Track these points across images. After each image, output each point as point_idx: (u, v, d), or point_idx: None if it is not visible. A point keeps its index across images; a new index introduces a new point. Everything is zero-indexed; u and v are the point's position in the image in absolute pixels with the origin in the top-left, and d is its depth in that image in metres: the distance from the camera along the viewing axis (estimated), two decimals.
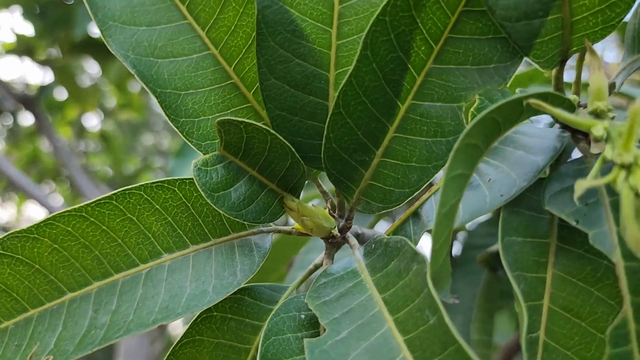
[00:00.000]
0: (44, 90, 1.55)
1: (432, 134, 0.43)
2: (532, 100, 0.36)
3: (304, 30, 0.45)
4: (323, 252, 0.51)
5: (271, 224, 0.49)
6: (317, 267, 0.53)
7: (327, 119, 0.43)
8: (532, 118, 0.49)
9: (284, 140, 0.44)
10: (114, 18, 0.45)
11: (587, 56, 0.41)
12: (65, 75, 1.53)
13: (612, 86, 0.44)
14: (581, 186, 0.31)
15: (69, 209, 0.44)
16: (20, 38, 1.51)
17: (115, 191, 0.45)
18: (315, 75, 0.46)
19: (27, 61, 1.55)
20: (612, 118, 0.42)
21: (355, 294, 0.43)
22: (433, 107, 0.43)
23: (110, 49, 0.44)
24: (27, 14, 1.47)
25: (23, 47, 1.51)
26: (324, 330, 0.41)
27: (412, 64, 0.43)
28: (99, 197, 0.45)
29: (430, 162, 0.44)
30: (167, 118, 0.45)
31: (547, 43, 0.41)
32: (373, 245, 0.45)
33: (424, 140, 0.44)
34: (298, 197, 0.49)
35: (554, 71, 0.44)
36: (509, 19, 0.40)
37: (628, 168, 0.33)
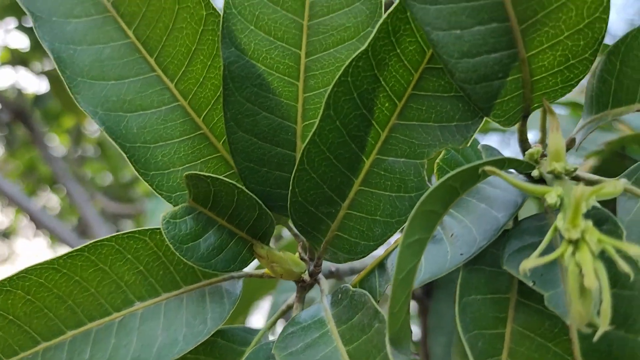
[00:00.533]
0: (38, 101, 1.56)
1: (396, 189, 0.44)
2: (487, 168, 0.36)
3: (270, 84, 0.46)
4: (294, 294, 0.52)
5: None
6: (289, 308, 0.54)
7: (292, 174, 0.44)
8: None
9: (251, 194, 0.45)
10: (83, 74, 0.45)
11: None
12: (60, 85, 1.53)
13: (572, 141, 0.44)
14: (526, 266, 0.32)
15: (41, 261, 0.45)
16: (14, 52, 1.51)
17: (87, 243, 0.46)
18: (283, 127, 0.47)
19: (22, 70, 1.56)
20: (573, 171, 0.43)
21: (321, 345, 0.44)
22: (397, 163, 0.44)
23: (79, 106, 0.45)
24: (22, 27, 1.47)
25: (17, 58, 1.52)
26: None
27: (376, 120, 0.43)
28: (71, 250, 0.46)
29: (394, 217, 0.44)
30: (136, 172, 0.46)
31: (507, 102, 0.42)
32: (340, 295, 0.46)
33: (387, 195, 0.44)
34: (268, 244, 0.49)
35: (517, 125, 0.45)
36: (469, 82, 0.40)
37: (575, 243, 0.34)
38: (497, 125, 0.44)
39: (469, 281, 0.41)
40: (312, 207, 0.45)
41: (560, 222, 0.35)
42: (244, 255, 0.48)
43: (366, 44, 0.40)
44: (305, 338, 0.45)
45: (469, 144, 0.43)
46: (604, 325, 0.32)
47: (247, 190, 0.45)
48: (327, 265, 0.57)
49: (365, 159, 0.44)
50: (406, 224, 0.36)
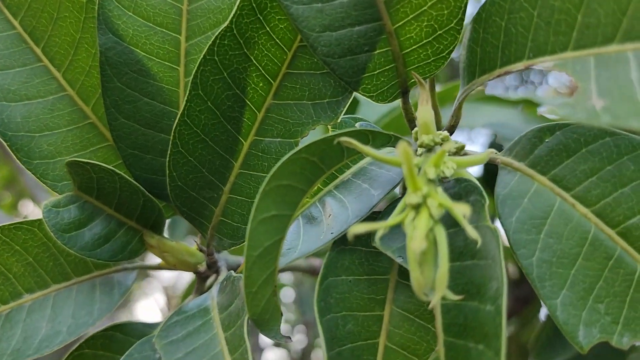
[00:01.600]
0: None
1: None
2: (343, 139, 0.35)
3: (151, 70, 0.45)
4: None
5: (137, 259, 0.49)
6: None
7: (167, 157, 0.43)
8: None
9: (132, 181, 0.45)
10: None
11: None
12: None
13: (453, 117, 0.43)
14: (354, 231, 0.31)
15: None
16: None
17: None
18: (165, 113, 0.46)
19: None
20: (461, 149, 0.42)
21: (202, 332, 0.43)
22: (273, 143, 0.43)
23: None
24: None
25: None
26: None
27: (250, 100, 0.43)
28: None
29: None
30: (18, 161, 0.46)
31: (377, 77, 0.41)
32: (225, 282, 0.45)
33: (264, 177, 0.43)
34: (161, 233, 0.49)
35: (400, 102, 0.44)
36: (332, 56, 0.39)
37: (417, 209, 0.33)
38: None
39: (337, 262, 0.40)
40: (193, 192, 0.45)
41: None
42: (135, 245, 0.48)
43: (227, 21, 0.40)
44: (188, 326, 0.44)
45: (339, 120, 0.42)
46: (439, 292, 0.30)
47: (127, 177, 0.44)
48: (235, 259, 0.56)
49: (243, 141, 0.43)
50: (256, 199, 0.35)
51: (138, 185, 0.45)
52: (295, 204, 0.38)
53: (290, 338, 0.41)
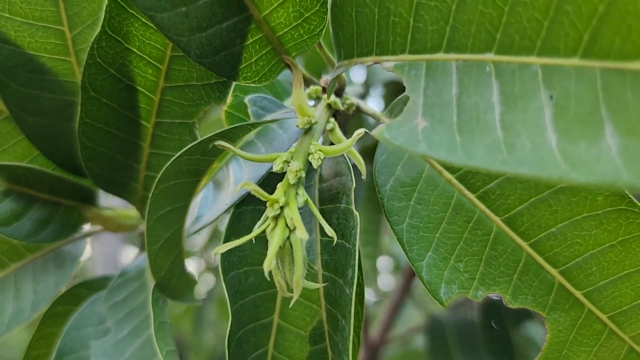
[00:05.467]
0: None
1: (177, 150, 0.46)
2: (217, 143, 0.38)
3: (44, 66, 0.46)
4: None
5: (84, 227, 0.54)
6: None
7: (80, 152, 0.46)
8: None
9: (51, 172, 0.48)
10: None
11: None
12: None
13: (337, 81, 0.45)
14: (218, 251, 0.35)
15: None
16: None
17: None
18: (68, 103, 0.48)
19: None
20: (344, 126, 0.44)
21: (139, 293, 0.49)
22: (174, 124, 0.46)
23: None
24: None
25: None
26: None
27: (144, 87, 0.44)
28: None
29: None
30: None
31: (256, 63, 0.41)
32: None
33: (172, 155, 0.47)
34: (96, 205, 0.53)
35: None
36: (206, 56, 0.40)
37: (275, 219, 0.36)
38: None
39: (238, 222, 0.43)
40: (113, 174, 0.48)
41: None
42: (76, 220, 0.52)
43: (100, 28, 0.40)
44: (128, 288, 0.50)
45: (228, 101, 0.44)
46: (295, 294, 0.35)
47: (46, 171, 0.48)
48: None
49: (147, 125, 0.46)
50: (148, 202, 0.39)
51: (58, 174, 0.49)
52: (189, 194, 0.42)
53: (205, 299, 0.48)
